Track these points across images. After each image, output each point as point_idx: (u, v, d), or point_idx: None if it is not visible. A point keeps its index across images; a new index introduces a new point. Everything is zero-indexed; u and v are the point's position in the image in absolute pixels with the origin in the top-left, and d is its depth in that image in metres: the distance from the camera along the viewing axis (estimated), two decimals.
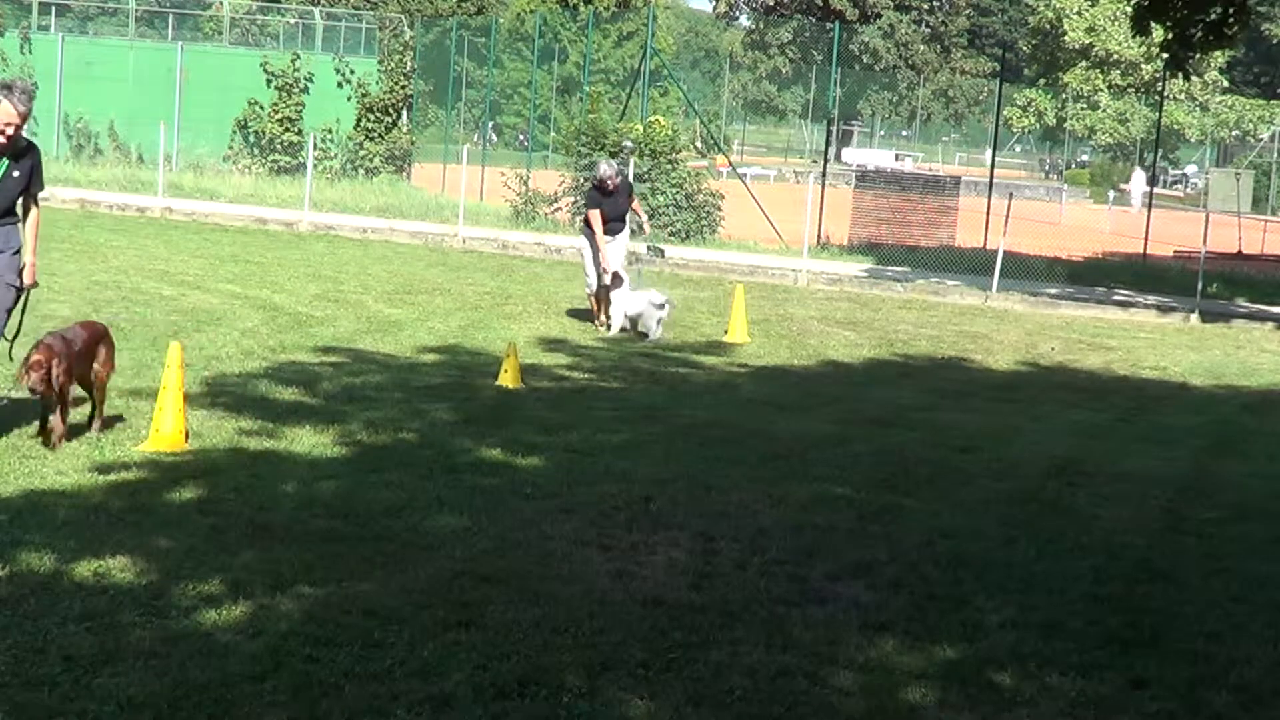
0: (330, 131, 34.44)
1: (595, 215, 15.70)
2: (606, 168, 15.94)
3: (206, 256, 20.16)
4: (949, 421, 11.26)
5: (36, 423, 8.73)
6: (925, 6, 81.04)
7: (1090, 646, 5.80)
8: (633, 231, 16.94)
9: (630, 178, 16.52)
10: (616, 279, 15.45)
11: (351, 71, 35.72)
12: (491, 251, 24.28)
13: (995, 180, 30.11)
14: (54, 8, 39.39)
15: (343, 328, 14.18)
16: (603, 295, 15.67)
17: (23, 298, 8.75)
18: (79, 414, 8.80)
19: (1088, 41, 66.06)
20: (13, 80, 8.44)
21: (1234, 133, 66.22)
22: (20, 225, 8.56)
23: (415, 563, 6.37)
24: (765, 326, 16.65)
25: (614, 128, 28.10)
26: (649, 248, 24.32)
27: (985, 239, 26.55)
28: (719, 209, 27.69)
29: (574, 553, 6.70)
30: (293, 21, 43.45)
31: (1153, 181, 34.37)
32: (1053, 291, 22.43)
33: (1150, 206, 28.64)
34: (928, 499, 8.27)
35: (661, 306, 15.15)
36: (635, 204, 16.48)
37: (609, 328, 15.40)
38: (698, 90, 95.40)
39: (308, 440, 8.78)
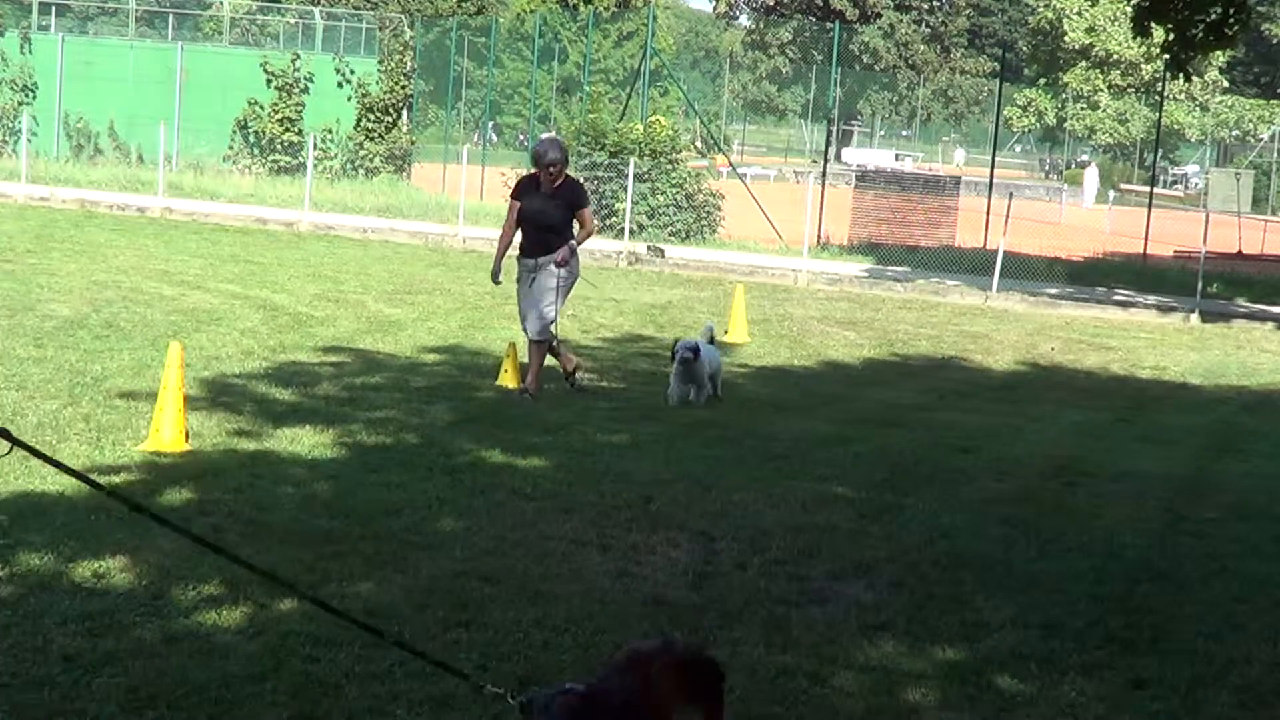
0: (330, 131, 34.42)
1: (511, 211, 11.27)
2: (551, 148, 11.09)
3: (206, 256, 20.15)
4: (949, 421, 11.26)
5: (34, 420, 8.73)
6: (925, 6, 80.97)
7: (1090, 646, 5.80)
8: (558, 264, 11.01)
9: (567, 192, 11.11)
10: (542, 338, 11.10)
11: (351, 71, 35.71)
12: (491, 251, 24.22)
13: (995, 180, 30.11)
14: (54, 8, 39.41)
15: (343, 328, 14.17)
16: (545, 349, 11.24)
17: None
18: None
19: (1088, 41, 66.04)
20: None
21: (1234, 133, 66.20)
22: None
23: (415, 563, 6.37)
24: (765, 326, 16.65)
25: (614, 128, 28.10)
26: (649, 248, 24.36)
27: (985, 239, 26.56)
28: (719, 209, 27.71)
29: (574, 553, 6.69)
30: (293, 21, 43.45)
31: (1152, 181, 34.35)
32: (1053, 291, 22.43)
33: (1150, 206, 28.63)
34: (928, 499, 8.26)
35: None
36: (585, 221, 11.12)
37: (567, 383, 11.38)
38: (698, 90, 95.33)
39: (308, 440, 8.78)
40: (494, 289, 18.76)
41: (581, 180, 11.89)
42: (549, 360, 11.38)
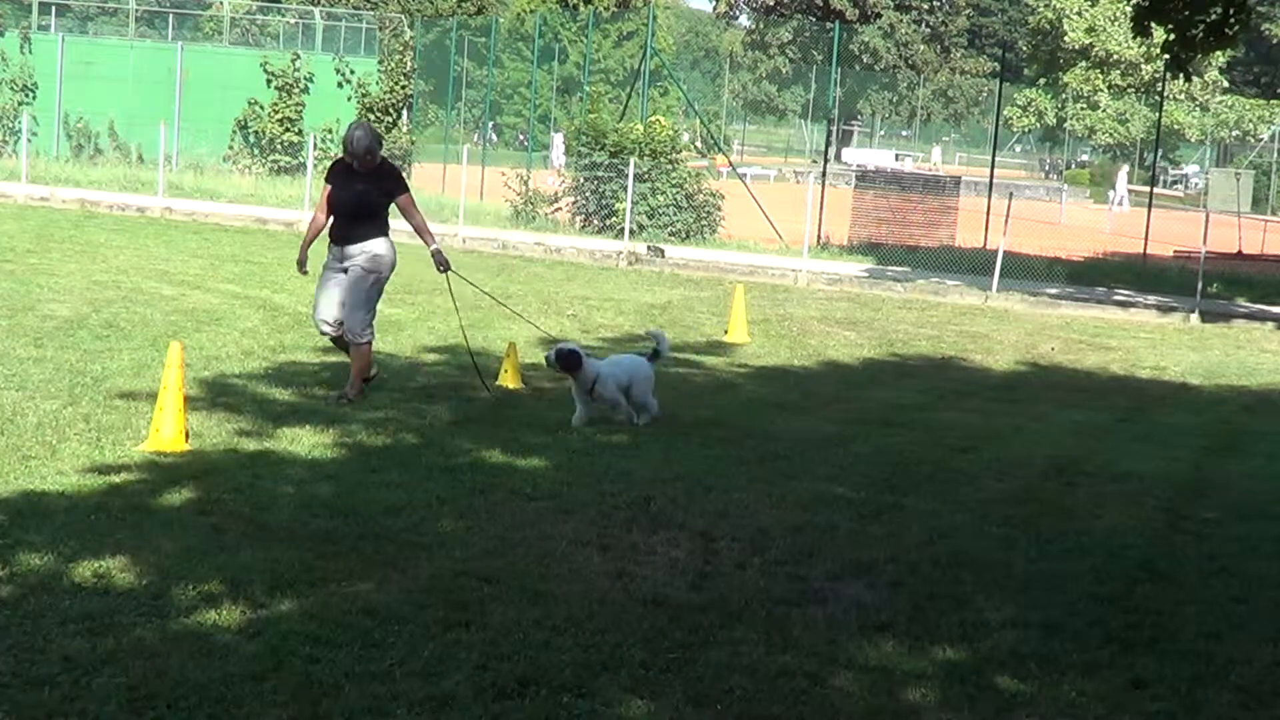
0: (330, 131, 34.42)
1: (323, 195, 10.45)
2: (362, 135, 10.19)
3: (206, 256, 20.15)
4: (949, 421, 11.26)
5: (34, 420, 8.73)
6: (925, 6, 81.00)
7: (1090, 646, 5.80)
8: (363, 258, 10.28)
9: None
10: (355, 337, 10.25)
11: (351, 71, 35.73)
12: (491, 251, 24.28)
13: (995, 180, 30.10)
14: (54, 8, 39.41)
15: None
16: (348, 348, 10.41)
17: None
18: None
19: (1088, 41, 66.05)
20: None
21: (1234, 133, 66.22)
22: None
23: (415, 563, 6.37)
24: (765, 326, 16.65)
25: (614, 128, 28.11)
26: (649, 248, 24.35)
27: (985, 239, 26.55)
28: (719, 209, 27.71)
29: (574, 553, 6.69)
30: (293, 21, 43.46)
31: (1153, 181, 34.37)
32: (1053, 291, 22.43)
33: (1150, 206, 28.64)
34: (928, 499, 8.26)
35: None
36: (407, 208, 10.39)
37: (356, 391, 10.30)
38: (698, 90, 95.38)
39: (308, 440, 8.78)
40: (494, 288, 18.72)
41: (397, 166, 10.74)
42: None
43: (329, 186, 10.35)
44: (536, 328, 13.98)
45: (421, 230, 10.43)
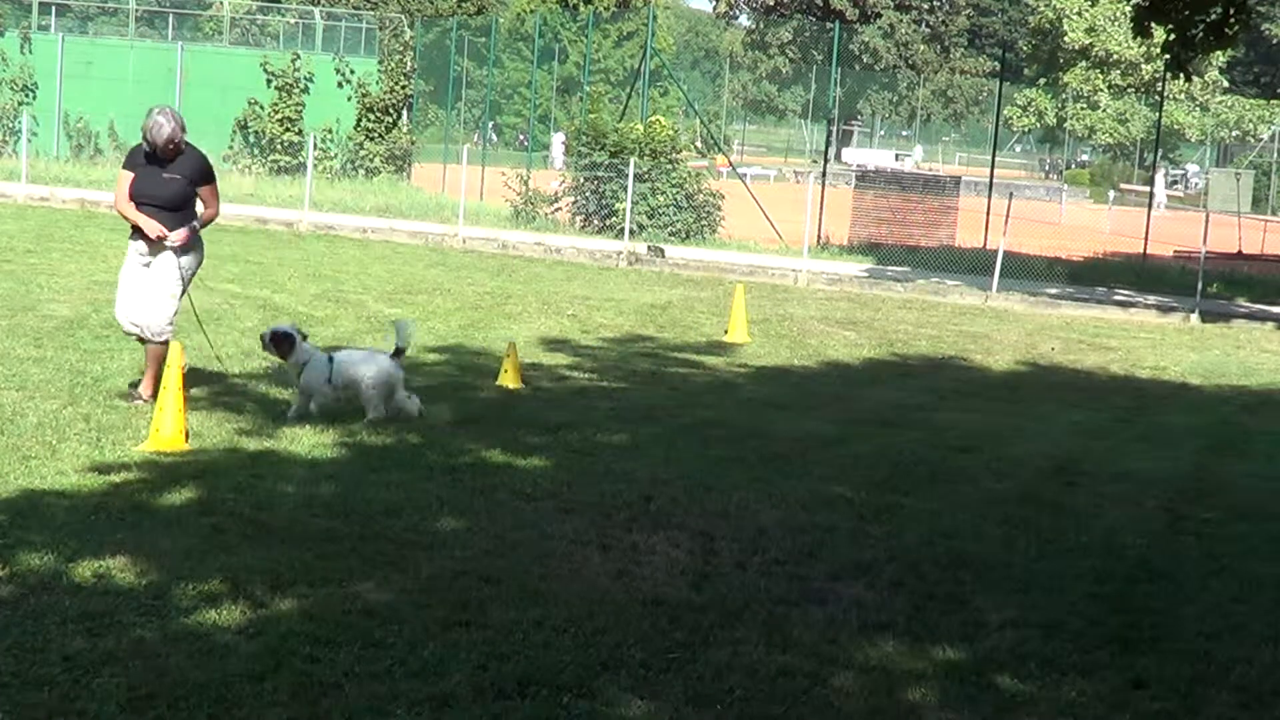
0: (330, 131, 34.42)
1: (124, 181, 9.67)
2: (165, 121, 9.46)
3: (207, 256, 20.10)
4: (949, 421, 11.26)
5: (34, 420, 8.73)
6: (925, 6, 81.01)
7: (1090, 646, 5.80)
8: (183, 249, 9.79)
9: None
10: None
11: (351, 71, 35.72)
12: (491, 251, 24.28)
13: (995, 180, 30.10)
14: (54, 8, 39.41)
15: (343, 328, 14.17)
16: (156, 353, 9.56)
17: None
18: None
19: (1088, 41, 66.05)
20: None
21: (1234, 133, 66.22)
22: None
23: (415, 563, 6.37)
24: (765, 326, 16.65)
25: (614, 128, 28.10)
26: (649, 248, 24.35)
27: (985, 239, 26.55)
28: (719, 209, 27.71)
29: (574, 553, 6.70)
30: (293, 21, 43.48)
31: (1153, 182, 34.36)
32: (1053, 291, 22.43)
33: (1149, 206, 28.64)
34: (928, 499, 8.26)
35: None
36: (208, 199, 9.93)
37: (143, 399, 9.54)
38: (698, 90, 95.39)
39: (308, 440, 8.78)
40: (493, 288, 18.70)
41: (207, 153, 10.03)
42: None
43: (130, 175, 9.60)
44: (207, 340, 11.41)
45: (206, 216, 9.86)
